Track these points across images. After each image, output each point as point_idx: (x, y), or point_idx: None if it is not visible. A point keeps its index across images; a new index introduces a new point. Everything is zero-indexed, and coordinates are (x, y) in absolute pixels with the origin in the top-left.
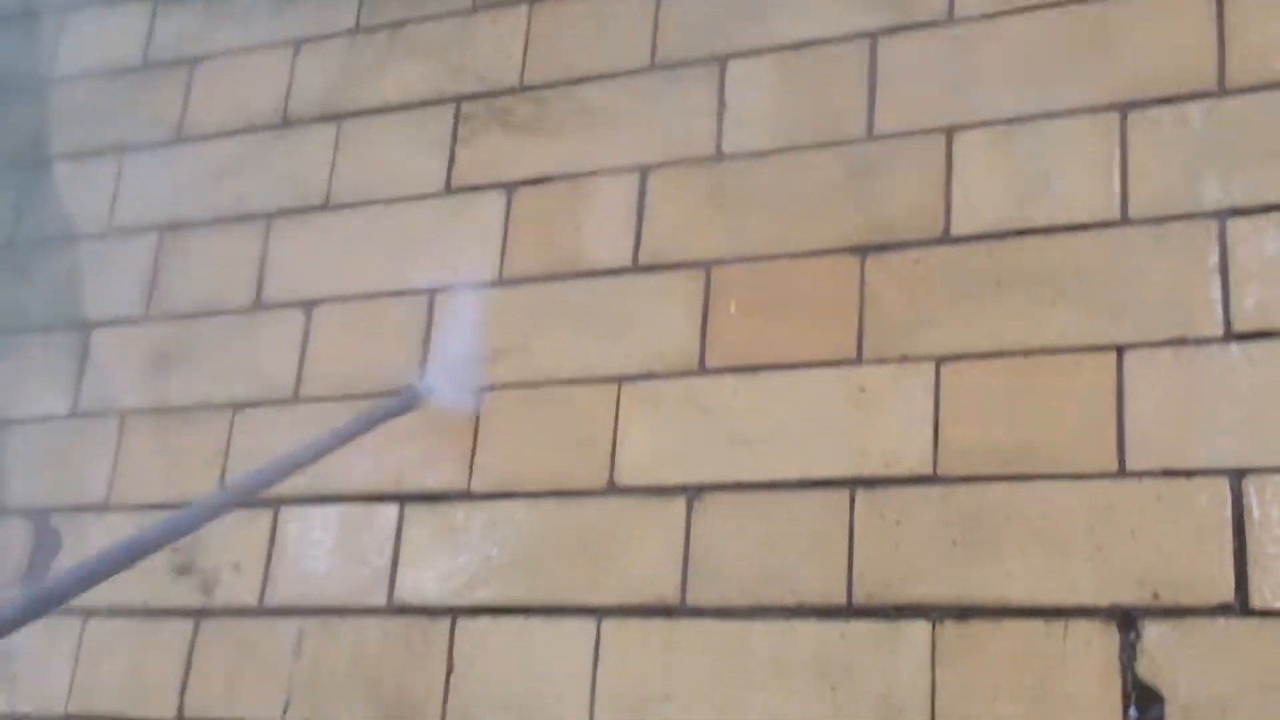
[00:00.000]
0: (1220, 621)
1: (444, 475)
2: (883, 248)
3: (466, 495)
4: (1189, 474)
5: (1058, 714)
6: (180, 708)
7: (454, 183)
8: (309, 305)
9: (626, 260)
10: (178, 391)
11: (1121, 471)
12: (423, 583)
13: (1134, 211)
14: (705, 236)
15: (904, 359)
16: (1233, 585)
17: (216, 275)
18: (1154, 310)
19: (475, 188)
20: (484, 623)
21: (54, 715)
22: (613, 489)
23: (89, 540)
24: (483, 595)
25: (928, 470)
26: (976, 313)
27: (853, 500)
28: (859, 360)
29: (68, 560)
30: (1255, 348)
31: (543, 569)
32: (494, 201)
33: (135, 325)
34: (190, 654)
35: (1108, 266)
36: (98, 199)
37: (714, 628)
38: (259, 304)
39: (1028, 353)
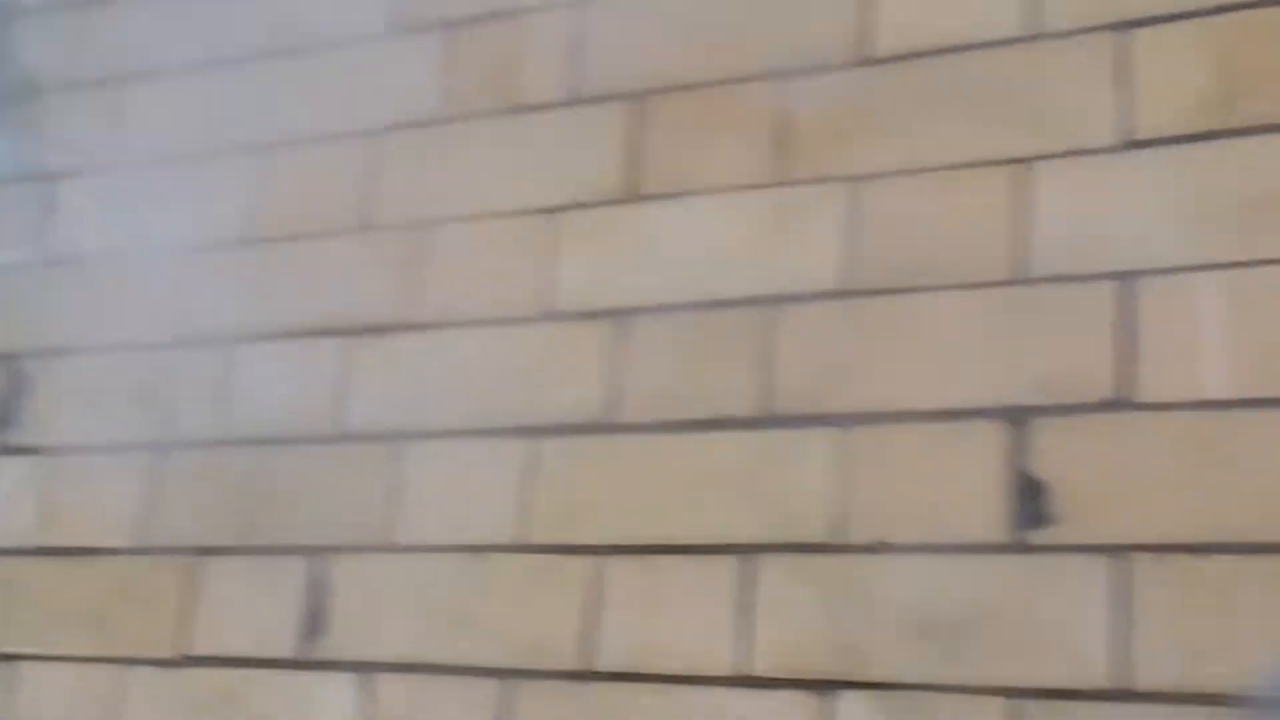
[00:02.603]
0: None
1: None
2: None
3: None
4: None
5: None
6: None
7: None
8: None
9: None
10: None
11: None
12: (366, 410)
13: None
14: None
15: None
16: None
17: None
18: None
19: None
20: (426, 446)
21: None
22: (549, 315)
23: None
24: (424, 421)
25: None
26: (897, 132)
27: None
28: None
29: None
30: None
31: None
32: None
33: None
34: None
35: (1013, 82)
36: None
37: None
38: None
39: (936, 169)
